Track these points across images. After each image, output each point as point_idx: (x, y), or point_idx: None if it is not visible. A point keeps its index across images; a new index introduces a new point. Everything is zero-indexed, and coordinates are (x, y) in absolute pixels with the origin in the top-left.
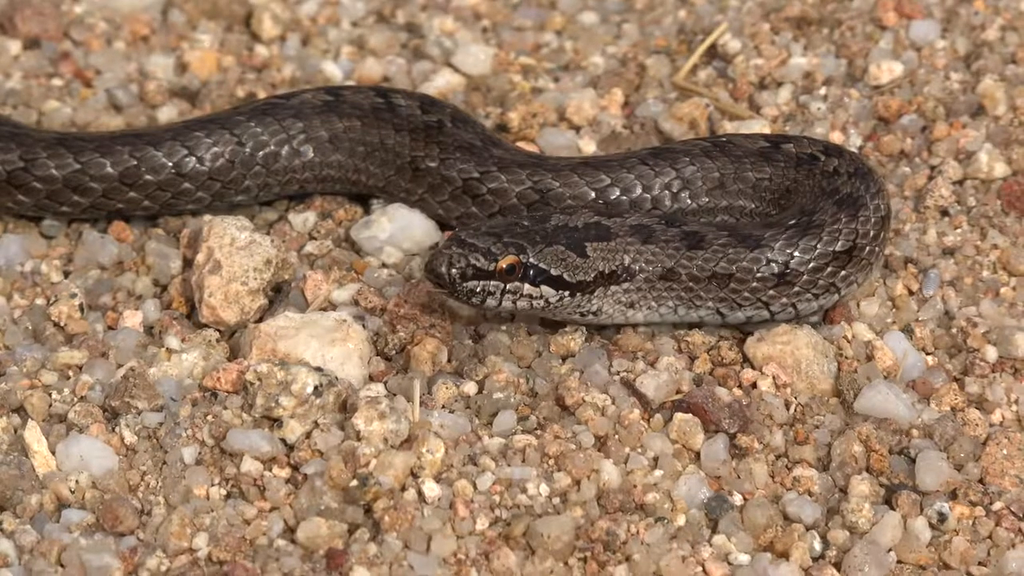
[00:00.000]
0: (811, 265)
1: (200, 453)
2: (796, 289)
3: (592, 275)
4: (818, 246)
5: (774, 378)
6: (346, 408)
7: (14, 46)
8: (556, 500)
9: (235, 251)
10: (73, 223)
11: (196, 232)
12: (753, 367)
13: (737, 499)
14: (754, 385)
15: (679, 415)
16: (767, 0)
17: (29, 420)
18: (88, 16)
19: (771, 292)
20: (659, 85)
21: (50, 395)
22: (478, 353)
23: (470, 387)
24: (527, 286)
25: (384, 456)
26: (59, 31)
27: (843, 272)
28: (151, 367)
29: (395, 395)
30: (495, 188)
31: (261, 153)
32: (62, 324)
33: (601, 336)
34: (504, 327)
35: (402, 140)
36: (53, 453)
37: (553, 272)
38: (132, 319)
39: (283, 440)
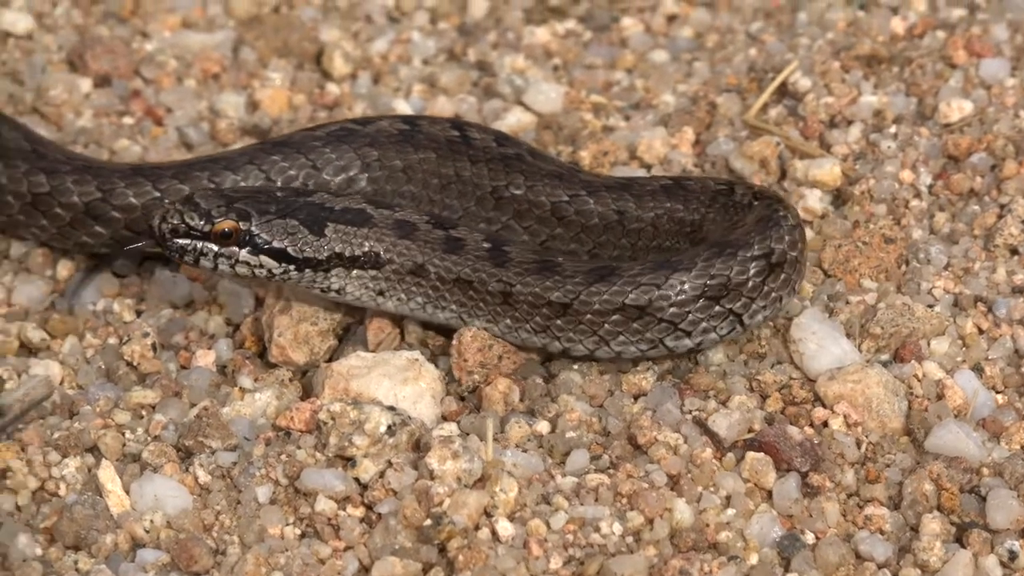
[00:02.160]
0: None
1: (274, 492)
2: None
3: (325, 254)
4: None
5: (845, 417)
6: (419, 447)
7: (85, 84)
8: (629, 539)
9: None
10: (146, 261)
11: None
12: (824, 406)
13: (809, 538)
14: (825, 424)
15: (751, 454)
16: (837, 38)
17: (103, 460)
18: (159, 54)
19: (496, 308)
20: (730, 123)
21: (124, 434)
22: (550, 392)
23: (543, 426)
24: (244, 253)
25: (458, 495)
26: (130, 69)
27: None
28: (224, 406)
29: (468, 434)
30: (582, 210)
31: (336, 179)
32: (135, 363)
33: (673, 375)
34: (576, 366)
35: (479, 171)
36: (127, 492)
37: (276, 244)
38: (205, 358)
39: (357, 479)
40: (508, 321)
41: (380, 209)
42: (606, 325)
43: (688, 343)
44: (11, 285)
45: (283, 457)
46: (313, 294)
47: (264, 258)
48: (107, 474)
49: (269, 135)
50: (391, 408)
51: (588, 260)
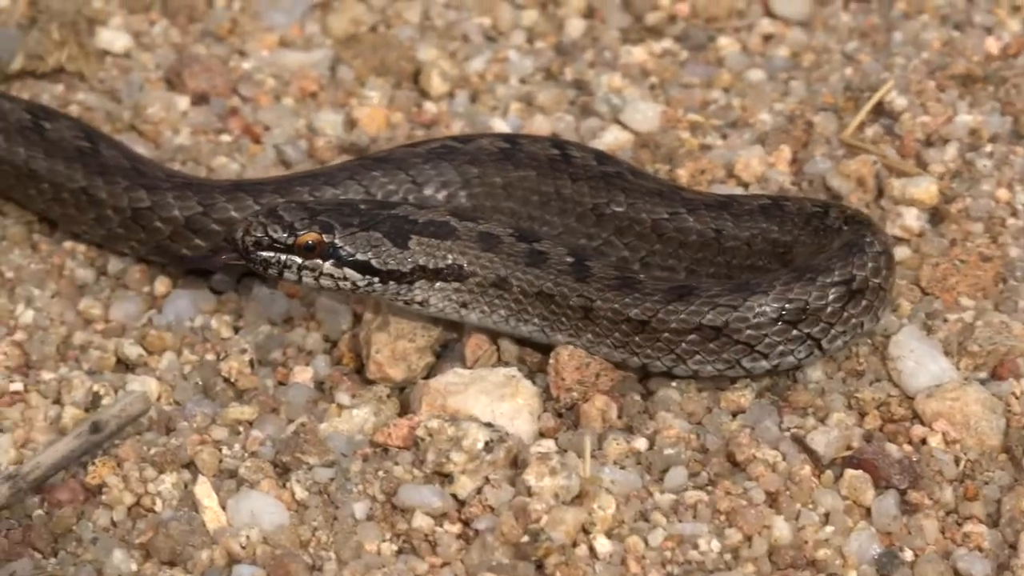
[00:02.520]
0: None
1: (371, 509)
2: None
3: (409, 267)
4: None
5: (943, 434)
6: (517, 464)
7: (183, 102)
8: (727, 556)
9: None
10: (244, 278)
11: None
12: (923, 423)
13: (908, 555)
14: (924, 441)
15: (850, 471)
16: (933, 58)
17: (199, 476)
18: (256, 72)
19: (578, 323)
20: (826, 142)
21: (220, 451)
22: (648, 409)
23: (641, 443)
24: (328, 265)
25: (555, 512)
26: (227, 87)
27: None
28: (322, 423)
29: (566, 451)
30: (681, 227)
31: (437, 196)
32: (232, 380)
33: (772, 393)
34: (674, 383)
35: (580, 189)
36: (224, 508)
37: (359, 256)
38: (303, 375)
39: (454, 496)
40: (589, 336)
41: (464, 221)
42: (683, 344)
43: (765, 365)
44: (108, 301)
45: (380, 473)
46: (397, 306)
47: (348, 270)
48: (204, 490)
49: (366, 153)
50: (488, 425)
51: (669, 278)
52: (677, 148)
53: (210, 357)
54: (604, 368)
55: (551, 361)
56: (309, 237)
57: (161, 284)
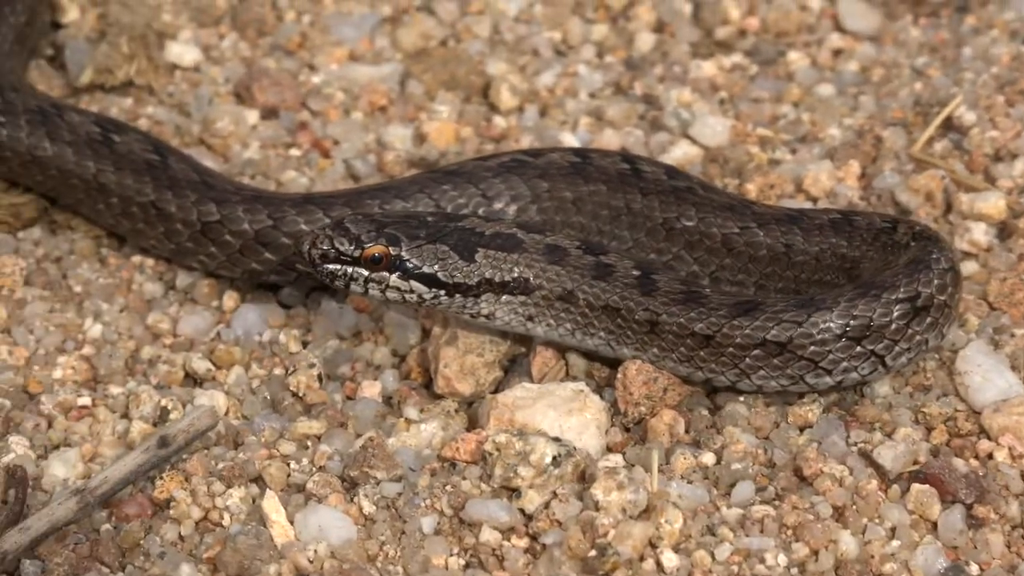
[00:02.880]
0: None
1: (439, 523)
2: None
3: (475, 280)
4: None
5: (1010, 449)
6: (584, 478)
7: (252, 116)
8: (794, 571)
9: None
10: (313, 292)
11: None
12: (989, 438)
13: (974, 569)
14: (990, 456)
15: (916, 486)
16: (1002, 73)
17: (267, 490)
18: (326, 86)
19: (644, 337)
20: (895, 157)
21: (288, 465)
22: (716, 424)
23: (708, 457)
24: (394, 278)
25: (623, 526)
26: (297, 101)
27: None
28: (390, 437)
29: (633, 465)
30: (752, 242)
31: (507, 210)
32: (301, 394)
33: (839, 407)
34: (742, 398)
35: (650, 203)
36: (291, 523)
37: (426, 269)
38: (371, 389)
39: (522, 510)
40: (655, 350)
41: (531, 234)
42: (747, 359)
43: (829, 381)
44: (177, 316)
45: (448, 488)
46: (463, 320)
47: (414, 283)
48: (271, 504)
49: (437, 167)
50: (556, 439)
51: (736, 293)
52: (746, 163)
53: (278, 371)
54: (672, 383)
55: (619, 376)
56: (376, 250)
57: (229, 298)
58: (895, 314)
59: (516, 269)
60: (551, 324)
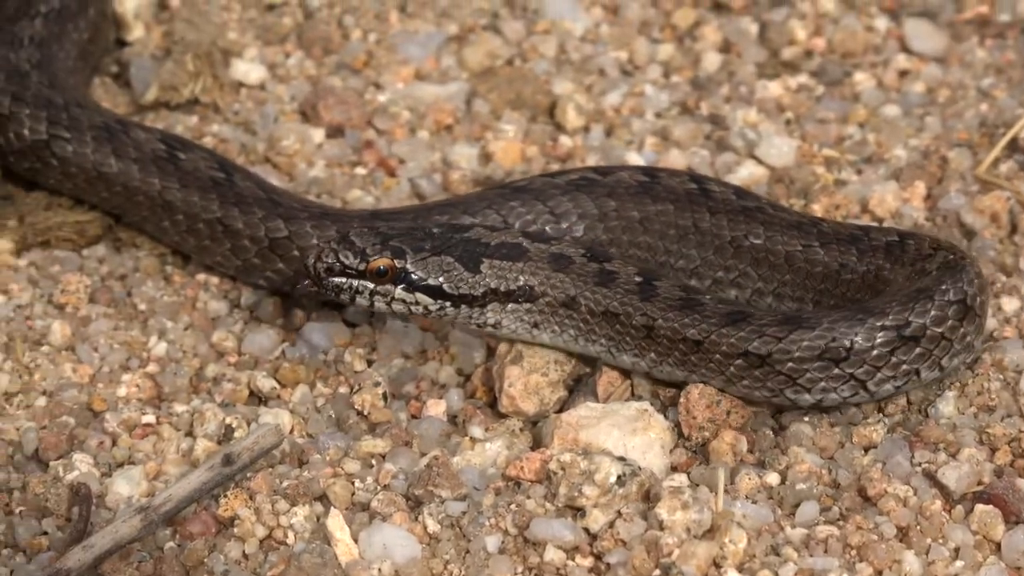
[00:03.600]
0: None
1: (503, 542)
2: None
3: (481, 290)
4: None
5: None
6: (649, 497)
7: (317, 134)
8: None
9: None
10: None
11: None
12: None
13: None
14: None
15: (980, 506)
16: None
17: (332, 508)
18: (392, 105)
19: (641, 343)
20: (961, 178)
21: (353, 483)
22: (780, 444)
23: (773, 477)
24: (399, 290)
25: (687, 546)
26: (362, 120)
27: None
28: (454, 456)
29: (698, 485)
30: (811, 259)
31: (574, 229)
32: (365, 413)
33: (903, 428)
34: (807, 418)
35: (719, 222)
36: (356, 541)
37: (431, 281)
38: (436, 408)
39: (586, 529)
40: (652, 355)
41: (536, 243)
42: (732, 367)
43: (808, 399)
44: (242, 334)
45: (513, 507)
46: (470, 330)
47: (420, 295)
48: (336, 523)
49: (507, 182)
50: (621, 458)
51: (733, 302)
52: (812, 183)
53: (343, 390)
54: (734, 405)
55: (681, 400)
56: (381, 263)
57: (295, 317)
58: (877, 341)
59: (521, 278)
60: (555, 331)
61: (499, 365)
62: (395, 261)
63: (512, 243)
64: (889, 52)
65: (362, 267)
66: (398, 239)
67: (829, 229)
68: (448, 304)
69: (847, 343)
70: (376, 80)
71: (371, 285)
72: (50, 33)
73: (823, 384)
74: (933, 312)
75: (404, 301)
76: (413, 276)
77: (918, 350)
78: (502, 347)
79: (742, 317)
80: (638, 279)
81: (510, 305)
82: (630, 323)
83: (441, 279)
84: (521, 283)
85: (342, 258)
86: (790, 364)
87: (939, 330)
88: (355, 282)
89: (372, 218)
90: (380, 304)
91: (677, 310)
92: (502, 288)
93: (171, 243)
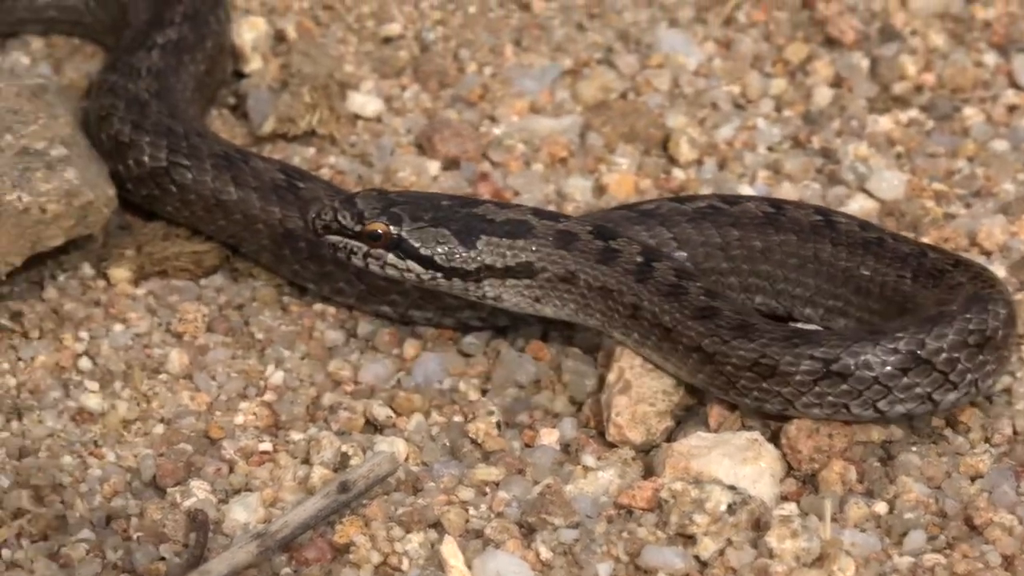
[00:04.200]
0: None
1: (615, 569)
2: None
3: (474, 266)
4: None
5: None
6: (759, 526)
7: (433, 166)
8: None
9: (646, 372)
10: (492, 341)
11: (611, 351)
12: None
13: None
14: None
15: None
16: None
17: (446, 535)
18: (507, 138)
19: (626, 321)
20: None
21: (467, 511)
22: (888, 473)
23: (880, 507)
24: (391, 256)
25: (796, 573)
26: (478, 152)
27: None
28: (567, 484)
29: (807, 513)
30: (898, 289)
31: (696, 257)
32: (479, 441)
33: (1009, 457)
34: (915, 448)
35: (838, 253)
36: (469, 568)
37: (423, 251)
38: (549, 437)
39: (696, 557)
40: (635, 335)
41: (543, 220)
42: (693, 358)
43: (747, 402)
44: (358, 363)
45: (624, 534)
46: (470, 300)
47: (411, 263)
48: (450, 549)
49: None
50: (731, 487)
51: (715, 296)
52: (921, 217)
53: (458, 419)
54: (834, 428)
55: (783, 440)
56: (375, 226)
57: (410, 347)
58: (802, 368)
59: (522, 255)
60: (556, 304)
61: (607, 395)
62: (390, 227)
63: (518, 220)
64: (998, 87)
65: (357, 229)
66: (400, 206)
67: (936, 256)
68: (440, 275)
69: (773, 362)
70: (491, 113)
71: (364, 247)
72: (167, 64)
73: (755, 392)
74: (931, 343)
75: (396, 267)
76: (406, 244)
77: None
78: (611, 376)
79: (712, 313)
80: (639, 259)
81: (509, 280)
82: (620, 301)
83: (433, 250)
84: (522, 259)
85: (339, 217)
86: (731, 364)
87: (939, 357)
88: (350, 242)
89: None
90: (373, 266)
91: (661, 295)
92: (499, 264)
93: (289, 273)
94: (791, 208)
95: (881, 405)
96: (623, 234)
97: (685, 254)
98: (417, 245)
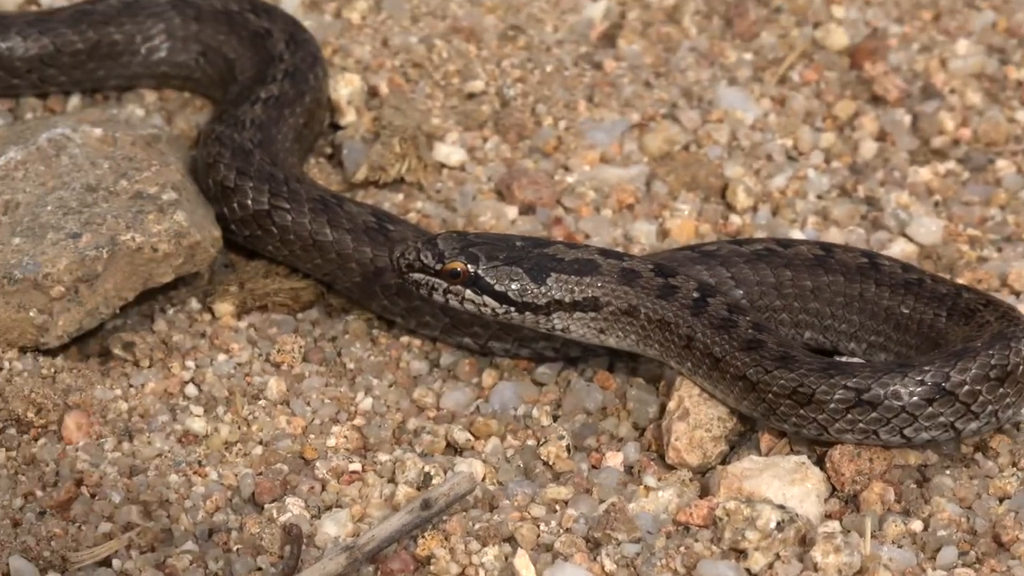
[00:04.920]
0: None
1: None
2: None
3: (544, 301)
4: None
5: None
6: (805, 542)
7: (511, 211)
8: None
9: (703, 401)
10: (563, 371)
11: (671, 381)
12: None
13: None
14: None
15: None
16: None
17: (519, 549)
18: (579, 186)
19: (681, 351)
20: None
21: (538, 526)
22: (923, 494)
23: (916, 525)
24: (469, 292)
25: None
26: (552, 199)
27: None
28: (630, 502)
29: (849, 531)
30: (931, 326)
31: (751, 295)
32: (550, 463)
33: None
34: (948, 471)
35: (881, 293)
36: None
37: (498, 288)
38: (614, 459)
39: (748, 570)
40: (689, 364)
41: (609, 259)
42: (738, 387)
43: (786, 427)
44: (440, 391)
45: (682, 549)
46: (540, 332)
47: (487, 298)
48: (522, 562)
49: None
50: (780, 506)
51: (762, 330)
52: (957, 259)
53: (531, 442)
54: (874, 453)
55: (827, 463)
56: (455, 265)
57: (488, 376)
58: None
59: (589, 291)
60: (619, 336)
61: (668, 421)
62: (468, 266)
63: (586, 259)
64: None
65: (438, 267)
66: (477, 247)
67: (971, 296)
68: (513, 309)
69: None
70: (565, 163)
71: (445, 284)
72: (269, 117)
73: (793, 419)
74: (921, 384)
75: (473, 302)
76: (483, 281)
77: (954, 407)
78: (671, 404)
79: (757, 345)
80: (696, 295)
81: (576, 313)
82: (676, 333)
83: (507, 286)
84: (588, 295)
85: (422, 257)
86: (772, 392)
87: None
88: (432, 279)
89: None
90: (453, 302)
91: (713, 328)
92: (567, 299)
93: (379, 308)
94: (839, 251)
95: (907, 432)
96: (682, 272)
97: (741, 292)
98: (492, 282)
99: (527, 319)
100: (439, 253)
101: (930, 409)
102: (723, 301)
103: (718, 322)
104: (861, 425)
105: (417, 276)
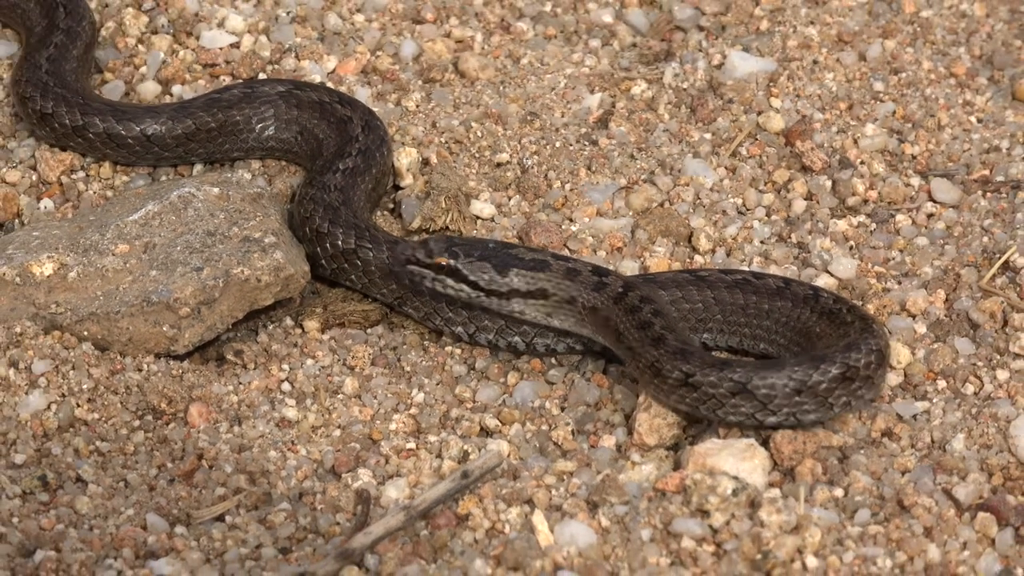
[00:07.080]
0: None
1: (653, 534)
2: None
3: (506, 289)
4: None
5: None
6: (753, 504)
7: None
8: (897, 571)
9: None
10: (568, 374)
11: None
12: None
13: (1020, 572)
14: None
15: (981, 514)
16: None
17: (535, 509)
18: (581, 233)
19: (603, 330)
20: (969, 287)
21: (551, 492)
22: (844, 468)
23: (839, 492)
24: (450, 280)
25: (780, 538)
26: (560, 243)
27: None
28: (620, 474)
29: (787, 497)
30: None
31: (688, 313)
32: (559, 443)
33: (929, 459)
34: (862, 451)
35: (784, 306)
36: (552, 532)
37: (471, 278)
38: (608, 441)
39: (710, 526)
40: (610, 339)
41: (559, 260)
42: (639, 372)
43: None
44: (475, 388)
45: (660, 510)
46: (503, 314)
47: (463, 286)
48: (539, 519)
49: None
50: (735, 477)
51: (653, 318)
52: (867, 290)
53: (544, 427)
54: (808, 436)
55: (771, 444)
56: (440, 260)
57: (512, 377)
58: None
59: (539, 283)
60: (562, 319)
61: (637, 411)
62: (450, 260)
63: (540, 259)
64: (920, 201)
65: (428, 261)
66: (458, 247)
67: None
68: (482, 294)
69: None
70: (570, 216)
71: (432, 274)
72: (347, 183)
73: (681, 397)
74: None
75: (453, 288)
76: (460, 272)
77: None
78: (640, 399)
79: (648, 325)
80: (620, 289)
81: (530, 300)
82: (600, 315)
83: (479, 277)
84: (538, 286)
85: (417, 253)
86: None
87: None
88: (423, 270)
89: None
90: (438, 287)
91: (624, 312)
92: (523, 288)
93: (431, 326)
94: (755, 278)
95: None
96: (613, 273)
97: (687, 306)
98: (467, 273)
99: (492, 302)
100: (429, 250)
101: (798, 399)
102: (638, 294)
103: (629, 308)
104: (743, 410)
105: (412, 268)
